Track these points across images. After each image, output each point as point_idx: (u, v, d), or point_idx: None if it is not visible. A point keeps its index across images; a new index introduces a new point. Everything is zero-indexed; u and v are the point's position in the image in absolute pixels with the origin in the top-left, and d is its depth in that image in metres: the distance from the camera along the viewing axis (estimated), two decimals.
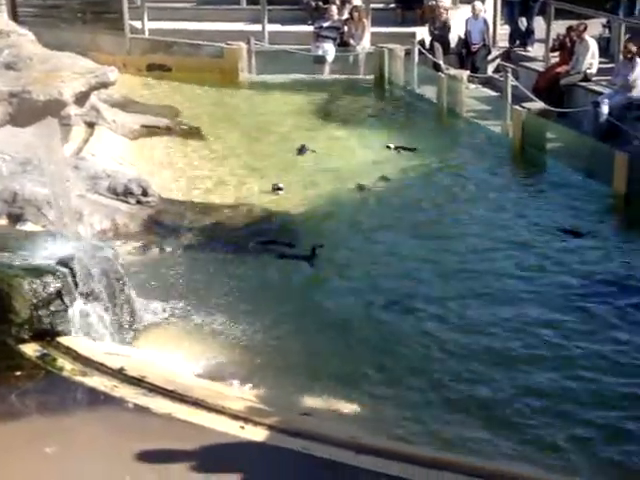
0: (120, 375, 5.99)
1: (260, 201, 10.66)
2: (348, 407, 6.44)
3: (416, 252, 9.26)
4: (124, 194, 10.02)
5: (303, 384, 6.77)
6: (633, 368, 7.03)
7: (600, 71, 14.34)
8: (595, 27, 16.24)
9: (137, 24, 18.47)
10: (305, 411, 6.23)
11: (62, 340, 6.46)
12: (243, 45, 17.42)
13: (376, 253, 9.25)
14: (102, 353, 6.38)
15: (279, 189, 10.94)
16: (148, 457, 5.09)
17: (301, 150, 12.53)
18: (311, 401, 6.49)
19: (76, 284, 6.79)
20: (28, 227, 8.57)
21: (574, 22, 15.21)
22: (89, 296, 6.88)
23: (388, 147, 12.60)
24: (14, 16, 14.62)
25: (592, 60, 14.26)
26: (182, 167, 12.01)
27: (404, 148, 12.55)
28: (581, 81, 14.18)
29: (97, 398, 5.77)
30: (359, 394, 6.65)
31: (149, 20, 18.51)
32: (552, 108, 13.22)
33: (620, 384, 6.78)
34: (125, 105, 14.58)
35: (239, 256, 9.16)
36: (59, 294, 6.62)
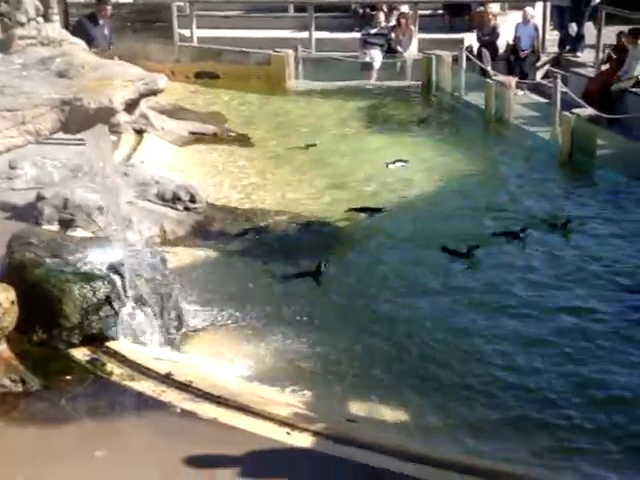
0: (168, 380, 6.03)
1: (308, 208, 10.68)
2: (395, 414, 6.42)
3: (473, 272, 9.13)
4: (172, 200, 10.10)
5: (349, 391, 6.76)
6: None
7: None
8: None
9: (186, 32, 18.65)
10: (351, 418, 6.22)
11: (111, 345, 6.54)
12: (290, 52, 17.50)
13: (420, 264, 9.19)
14: (150, 358, 6.44)
15: (379, 210, 10.51)
16: (195, 461, 5.12)
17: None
18: (357, 408, 6.48)
19: (125, 290, 6.86)
20: (78, 233, 8.68)
21: (625, 27, 15.02)
22: (138, 302, 6.95)
23: (387, 164, 12.28)
24: (66, 25, 14.83)
25: None
26: (230, 174, 12.08)
27: (401, 161, 12.31)
28: (633, 87, 13.98)
29: (145, 403, 5.82)
30: (406, 402, 6.62)
31: (197, 28, 18.68)
32: (602, 114, 13.06)
33: None
34: (173, 112, 14.73)
35: (287, 262, 9.18)
36: (108, 299, 6.70)
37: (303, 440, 5.34)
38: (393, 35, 18.00)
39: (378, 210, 10.51)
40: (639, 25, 15.18)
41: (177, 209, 10.09)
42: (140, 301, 6.97)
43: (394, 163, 12.24)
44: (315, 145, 13.17)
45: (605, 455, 6.00)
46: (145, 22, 18.52)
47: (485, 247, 9.28)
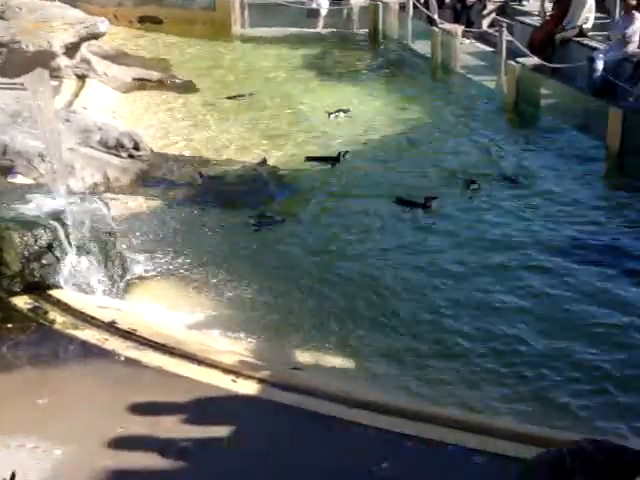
0: (111, 328, 5.98)
1: (253, 156, 10.60)
2: (338, 362, 6.47)
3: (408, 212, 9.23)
4: (116, 147, 9.94)
5: (294, 339, 6.79)
6: None
7: (595, 26, 14.20)
8: None
9: None
10: (296, 365, 6.25)
11: (54, 293, 6.45)
12: None
13: (374, 215, 9.19)
14: (93, 306, 6.37)
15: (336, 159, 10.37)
16: (140, 409, 5.10)
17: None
18: (302, 356, 6.52)
19: (67, 237, 6.76)
20: (19, 180, 8.52)
21: None
22: (81, 249, 6.86)
23: (329, 114, 12.19)
24: None
25: (589, 14, 14.09)
26: (174, 121, 11.93)
27: (342, 111, 12.21)
28: (576, 36, 14.04)
29: (89, 351, 5.77)
30: (352, 350, 6.66)
31: None
32: (547, 63, 13.12)
33: None
34: (116, 58, 14.44)
35: (232, 212, 9.13)
36: (50, 247, 6.60)
37: (248, 387, 5.35)
38: None
39: (336, 159, 10.43)
40: None
41: (121, 156, 9.94)
42: (83, 249, 6.88)
43: (336, 113, 12.15)
44: (253, 94, 13.06)
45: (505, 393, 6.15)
46: None
47: (438, 198, 9.28)
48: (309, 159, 10.48)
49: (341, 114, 12.16)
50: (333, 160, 10.42)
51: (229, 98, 12.95)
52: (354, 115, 12.25)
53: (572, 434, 4.77)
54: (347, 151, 10.54)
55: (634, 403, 6.01)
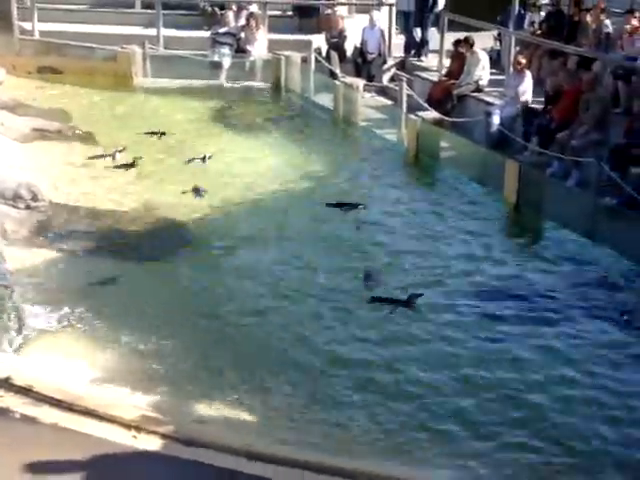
0: (6, 384, 5.80)
1: (152, 206, 10.53)
2: (241, 415, 6.40)
3: (317, 262, 9.27)
4: (13, 199, 9.75)
5: (196, 393, 6.69)
6: None
7: (492, 82, 14.66)
8: (487, 39, 16.63)
9: (27, 25, 17.99)
10: (198, 419, 6.16)
11: None
12: (137, 49, 17.17)
13: (274, 262, 9.21)
14: None
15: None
16: (37, 468, 4.94)
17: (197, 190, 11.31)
18: (204, 409, 6.43)
19: None
20: None
21: (467, 34, 15.50)
22: None
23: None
24: None
25: (482, 72, 14.56)
26: (74, 172, 11.76)
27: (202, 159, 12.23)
28: (473, 92, 14.47)
29: None
30: (252, 402, 6.61)
31: (40, 21, 18.04)
32: (446, 117, 13.46)
33: None
34: (15, 108, 14.21)
35: (132, 263, 9.01)
36: None
37: (150, 442, 5.25)
38: (242, 35, 17.96)
39: (354, 206, 10.59)
40: (479, 32, 15.77)
41: (18, 208, 9.74)
42: None
43: (202, 159, 12.18)
44: (163, 134, 13.08)
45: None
46: None
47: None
48: (329, 205, 10.64)
49: (202, 160, 12.16)
50: (352, 206, 10.60)
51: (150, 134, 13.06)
52: (258, 166, 12.28)
53: None
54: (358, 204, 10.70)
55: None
